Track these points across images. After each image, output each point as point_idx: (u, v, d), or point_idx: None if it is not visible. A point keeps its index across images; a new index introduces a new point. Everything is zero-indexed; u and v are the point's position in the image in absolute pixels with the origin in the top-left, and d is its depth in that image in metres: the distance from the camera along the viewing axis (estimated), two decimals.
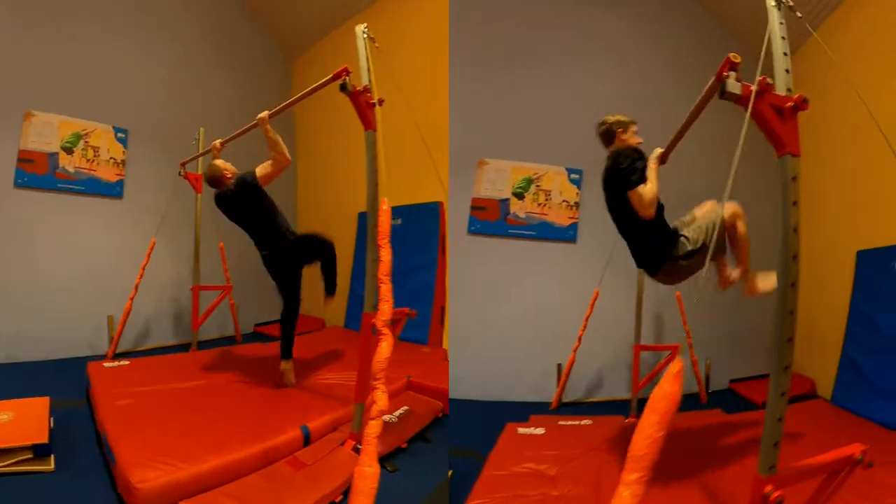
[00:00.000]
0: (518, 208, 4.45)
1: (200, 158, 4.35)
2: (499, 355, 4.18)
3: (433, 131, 4.79)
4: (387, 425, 2.84)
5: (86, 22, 4.67)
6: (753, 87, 1.57)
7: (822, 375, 3.83)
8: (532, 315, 4.26)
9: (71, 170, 4.51)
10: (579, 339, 3.75)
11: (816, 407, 3.51)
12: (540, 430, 3.04)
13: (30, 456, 2.14)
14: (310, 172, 6.59)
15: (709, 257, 1.71)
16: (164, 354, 4.11)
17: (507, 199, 4.46)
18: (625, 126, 2.34)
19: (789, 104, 1.60)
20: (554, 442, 2.86)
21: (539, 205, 4.48)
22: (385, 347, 1.84)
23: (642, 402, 3.60)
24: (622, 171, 2.19)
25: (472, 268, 4.25)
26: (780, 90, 1.64)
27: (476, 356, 4.02)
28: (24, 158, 4.27)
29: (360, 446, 2.46)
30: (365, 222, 5.91)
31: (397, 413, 2.99)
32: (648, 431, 1.46)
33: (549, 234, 4.47)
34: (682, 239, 2.23)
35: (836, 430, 2.94)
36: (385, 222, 1.98)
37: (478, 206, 4.42)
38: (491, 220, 4.42)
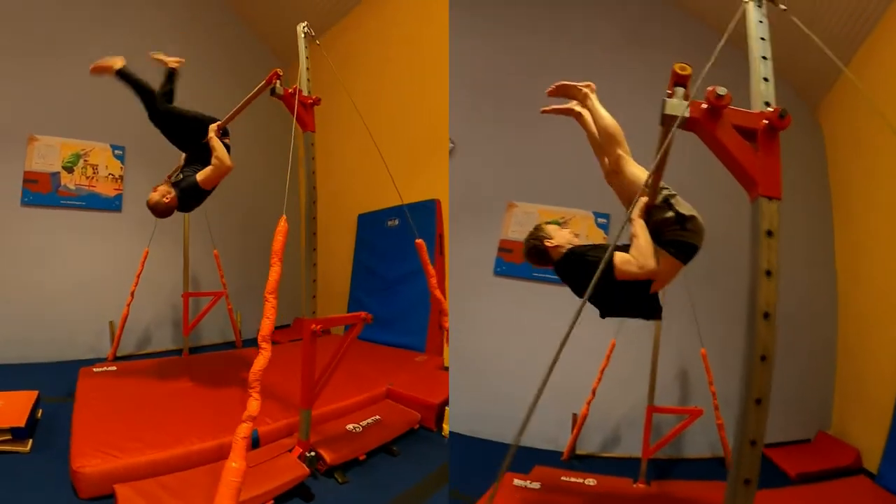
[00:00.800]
0: None
1: None
2: (517, 399, 4.03)
3: (427, 128, 4.70)
4: (347, 434, 2.81)
5: (81, 48, 4.84)
6: (703, 104, 1.18)
7: (869, 444, 3.34)
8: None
9: (72, 187, 4.77)
10: (593, 391, 3.55)
11: (856, 487, 3.04)
12: (536, 485, 2.85)
13: (8, 438, 2.40)
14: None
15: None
16: (158, 358, 4.30)
17: None
18: (549, 234, 2.07)
19: (763, 123, 1.16)
20: (545, 499, 2.70)
21: None
22: (261, 360, 1.88)
23: (654, 465, 3.34)
24: (589, 262, 1.87)
25: (496, 309, 4.27)
26: (756, 106, 1.22)
27: (495, 397, 3.92)
28: (29, 179, 4.57)
29: (308, 454, 2.44)
30: (365, 224, 5.92)
31: (364, 423, 2.92)
32: None
33: None
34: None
35: None
36: (279, 241, 1.91)
37: (505, 248, 4.42)
38: (517, 262, 4.37)
